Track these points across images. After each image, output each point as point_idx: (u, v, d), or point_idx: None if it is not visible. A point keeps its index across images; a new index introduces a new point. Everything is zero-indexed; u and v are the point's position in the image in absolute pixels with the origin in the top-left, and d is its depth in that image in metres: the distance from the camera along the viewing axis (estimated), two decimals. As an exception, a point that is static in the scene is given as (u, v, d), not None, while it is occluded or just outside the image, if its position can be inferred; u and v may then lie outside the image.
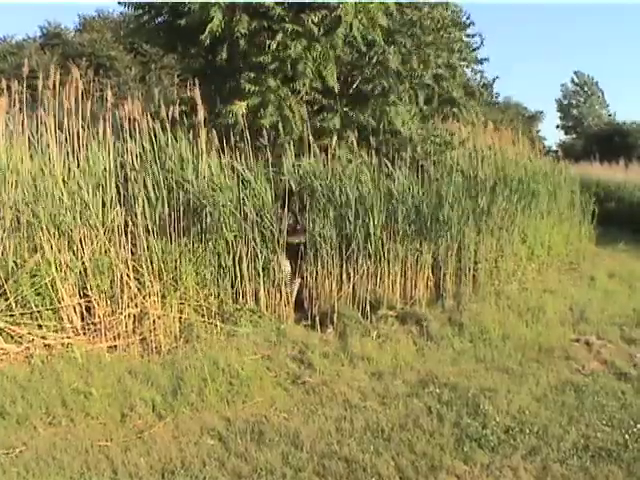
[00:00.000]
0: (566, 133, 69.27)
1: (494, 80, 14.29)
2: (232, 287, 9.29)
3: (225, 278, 9.21)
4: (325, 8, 9.90)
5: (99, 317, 8.01)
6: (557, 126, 71.83)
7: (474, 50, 13.60)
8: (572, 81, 72.41)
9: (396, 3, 11.11)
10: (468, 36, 13.49)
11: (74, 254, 8.03)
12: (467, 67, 13.34)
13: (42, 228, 7.92)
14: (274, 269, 9.42)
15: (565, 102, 72.12)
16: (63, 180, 8.38)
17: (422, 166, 11.31)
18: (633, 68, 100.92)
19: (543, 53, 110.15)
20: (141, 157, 9.13)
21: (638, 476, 5.61)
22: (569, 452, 6.01)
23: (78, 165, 8.66)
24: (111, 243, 8.22)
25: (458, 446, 6.11)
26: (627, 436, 6.30)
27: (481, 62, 13.61)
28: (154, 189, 8.71)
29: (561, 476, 5.62)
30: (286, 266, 9.63)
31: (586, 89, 71.64)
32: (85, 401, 6.60)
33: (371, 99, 10.74)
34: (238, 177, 9.42)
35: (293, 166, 10.14)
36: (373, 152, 10.82)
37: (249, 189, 9.34)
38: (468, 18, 13.57)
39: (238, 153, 9.64)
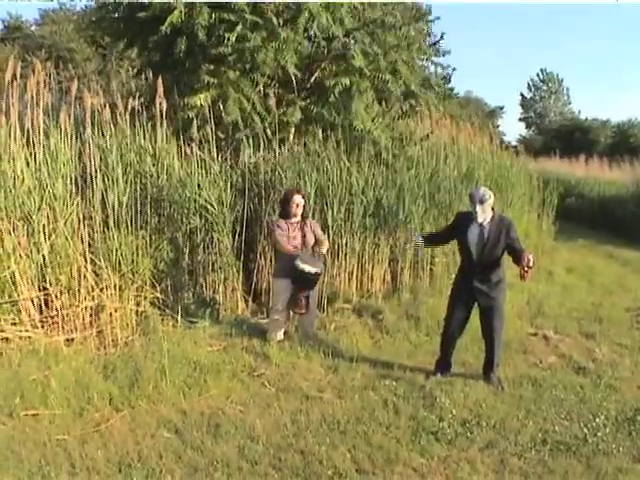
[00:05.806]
0: (528, 126, 70.14)
1: (452, 72, 14.24)
2: (190, 279, 9.29)
3: (183, 271, 9.21)
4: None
5: (57, 310, 7.94)
6: (520, 119, 72.90)
7: (435, 44, 13.58)
8: (538, 77, 73.34)
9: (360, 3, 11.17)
10: (427, 22, 13.47)
11: (35, 245, 7.95)
12: (426, 60, 13.26)
13: (2, 218, 7.82)
14: (230, 262, 9.38)
15: (529, 97, 73.00)
16: (23, 170, 8.27)
17: (383, 160, 11.31)
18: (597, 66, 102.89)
19: (507, 49, 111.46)
20: (100, 149, 9.06)
21: (597, 470, 5.69)
22: (527, 445, 6.09)
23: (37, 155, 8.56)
24: (70, 235, 8.15)
25: (414, 439, 6.17)
26: (586, 430, 6.39)
27: (443, 54, 13.58)
28: (113, 181, 8.64)
29: (519, 469, 5.69)
30: (280, 287, 8.49)
31: (550, 85, 72.54)
32: (43, 395, 6.54)
33: (332, 94, 10.72)
34: (191, 167, 9.39)
35: (250, 159, 10.11)
36: (334, 145, 10.80)
37: (207, 181, 9.28)
38: (425, 13, 13.56)
39: (196, 146, 9.58)
